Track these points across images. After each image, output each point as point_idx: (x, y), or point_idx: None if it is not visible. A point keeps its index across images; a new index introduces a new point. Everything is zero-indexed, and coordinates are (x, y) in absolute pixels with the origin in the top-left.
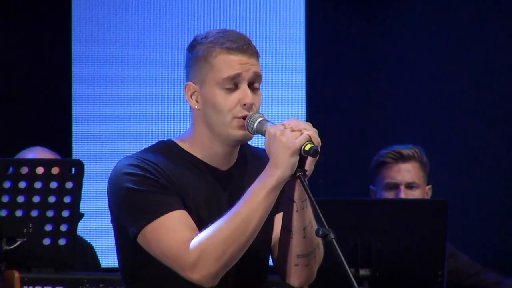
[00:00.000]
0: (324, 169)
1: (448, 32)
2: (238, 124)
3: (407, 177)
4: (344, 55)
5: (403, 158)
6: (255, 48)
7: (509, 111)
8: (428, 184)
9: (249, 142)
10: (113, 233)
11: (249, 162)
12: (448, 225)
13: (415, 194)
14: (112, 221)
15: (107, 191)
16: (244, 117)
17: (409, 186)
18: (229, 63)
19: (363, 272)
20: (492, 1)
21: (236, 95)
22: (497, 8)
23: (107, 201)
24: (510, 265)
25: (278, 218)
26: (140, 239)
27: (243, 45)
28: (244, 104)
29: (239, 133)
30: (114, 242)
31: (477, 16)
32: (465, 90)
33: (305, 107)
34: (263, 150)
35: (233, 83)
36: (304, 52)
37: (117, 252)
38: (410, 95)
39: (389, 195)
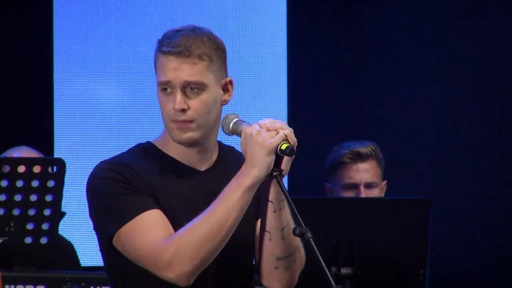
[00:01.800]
0: (305, 168)
1: (433, 31)
2: (173, 127)
3: (366, 177)
4: (326, 54)
5: (362, 158)
6: (201, 50)
7: (494, 110)
8: (383, 180)
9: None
10: (96, 237)
11: (230, 163)
12: (431, 224)
13: (374, 193)
14: (93, 228)
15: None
16: (177, 121)
17: (368, 186)
18: (162, 68)
19: (345, 270)
20: None
21: (171, 99)
22: (486, 3)
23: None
24: (493, 264)
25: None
26: (115, 242)
27: (177, 49)
28: (175, 109)
29: (177, 134)
30: (95, 242)
31: (463, 11)
32: (450, 89)
33: (286, 106)
34: None
35: (167, 88)
36: (286, 50)
37: (101, 255)
38: (394, 94)
39: (348, 195)
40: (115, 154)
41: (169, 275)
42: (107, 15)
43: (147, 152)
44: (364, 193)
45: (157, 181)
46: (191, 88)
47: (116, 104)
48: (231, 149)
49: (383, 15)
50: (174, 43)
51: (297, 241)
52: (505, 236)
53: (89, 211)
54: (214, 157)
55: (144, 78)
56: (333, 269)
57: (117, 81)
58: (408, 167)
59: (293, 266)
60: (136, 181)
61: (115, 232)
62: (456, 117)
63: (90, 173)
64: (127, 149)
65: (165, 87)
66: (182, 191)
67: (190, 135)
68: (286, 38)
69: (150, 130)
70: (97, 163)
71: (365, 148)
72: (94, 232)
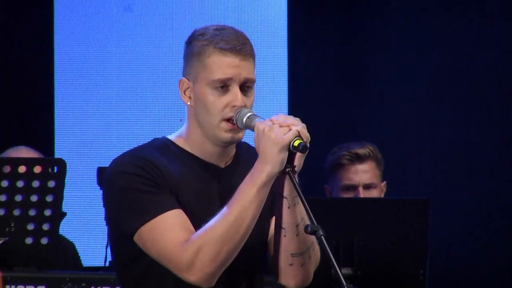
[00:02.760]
0: (306, 168)
1: (432, 31)
2: (226, 127)
3: (365, 178)
4: (326, 54)
5: (360, 159)
6: (250, 48)
7: (494, 110)
8: (382, 181)
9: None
10: (106, 228)
11: (247, 160)
12: (430, 224)
13: (373, 194)
14: (105, 218)
15: (102, 189)
16: (230, 121)
17: (367, 187)
18: (220, 65)
19: (345, 271)
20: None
21: (226, 97)
22: (486, 2)
23: (101, 198)
24: (494, 264)
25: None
26: (136, 239)
27: (236, 46)
28: (234, 106)
29: (226, 135)
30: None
31: (463, 11)
32: (450, 89)
33: (287, 106)
34: None
35: (224, 85)
36: (287, 50)
37: (111, 247)
38: (394, 94)
39: (347, 196)
40: (135, 146)
41: (191, 277)
42: (108, 16)
43: (165, 147)
44: (362, 194)
45: (178, 178)
46: (247, 85)
47: (116, 105)
48: (246, 144)
49: (383, 15)
50: (228, 40)
51: (312, 237)
52: (505, 236)
53: (105, 202)
54: (232, 153)
55: (144, 78)
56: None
57: (118, 81)
58: (408, 167)
59: (308, 262)
60: (159, 178)
61: (137, 229)
62: (456, 117)
63: (111, 165)
64: (141, 143)
65: (222, 84)
66: (203, 189)
67: (241, 135)
68: (286, 38)
69: (151, 131)
70: (117, 155)
71: (363, 149)
72: (105, 222)
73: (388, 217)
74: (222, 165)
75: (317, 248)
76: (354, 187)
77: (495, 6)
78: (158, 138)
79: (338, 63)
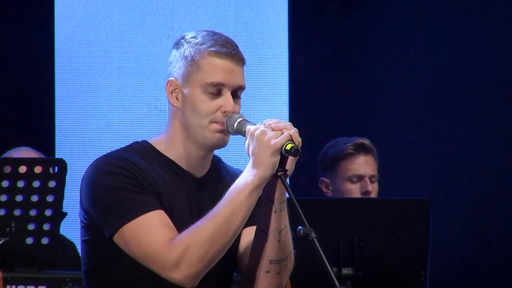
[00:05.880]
0: (306, 168)
1: (432, 32)
2: (215, 128)
3: (370, 169)
4: (326, 54)
5: (365, 150)
6: (242, 55)
7: (494, 110)
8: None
9: (224, 155)
10: (79, 228)
11: (222, 174)
12: (431, 224)
13: (375, 187)
14: (80, 216)
15: (82, 187)
16: (220, 124)
17: (372, 178)
18: (215, 68)
19: (346, 271)
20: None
21: (218, 101)
22: (486, 3)
23: (79, 196)
24: (494, 264)
25: (248, 231)
26: (117, 238)
27: (231, 51)
28: (225, 112)
29: (215, 136)
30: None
31: (463, 11)
32: (450, 89)
33: (287, 106)
34: (236, 169)
35: (217, 89)
36: (287, 51)
37: (83, 248)
38: (394, 93)
39: (355, 187)
40: (113, 150)
41: (176, 276)
42: (108, 16)
43: (145, 151)
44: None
45: (159, 181)
46: (237, 93)
47: (117, 105)
48: (220, 159)
49: (383, 16)
50: (223, 44)
51: (291, 246)
52: (506, 236)
53: (84, 202)
54: (209, 165)
55: (145, 79)
56: (334, 269)
57: (118, 81)
58: (408, 167)
59: (284, 271)
60: (142, 179)
61: (118, 228)
62: (456, 117)
63: (92, 165)
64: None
65: (215, 89)
66: (179, 193)
67: (227, 139)
68: (287, 39)
69: (151, 131)
70: (98, 157)
71: (366, 141)
72: (79, 219)
73: (389, 217)
74: (198, 175)
75: (292, 257)
76: (361, 177)
77: (495, 6)
78: (138, 141)
79: (338, 63)
